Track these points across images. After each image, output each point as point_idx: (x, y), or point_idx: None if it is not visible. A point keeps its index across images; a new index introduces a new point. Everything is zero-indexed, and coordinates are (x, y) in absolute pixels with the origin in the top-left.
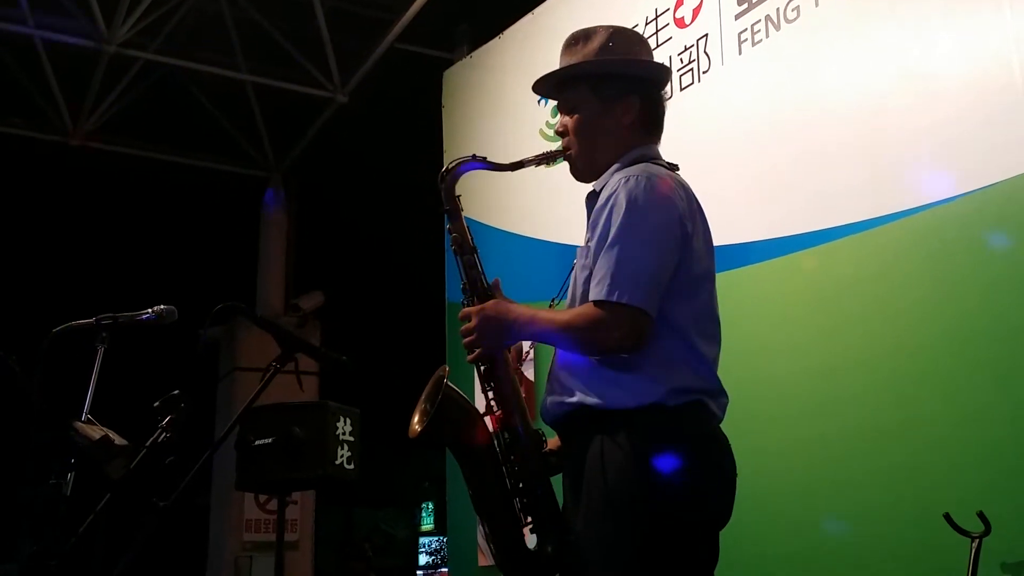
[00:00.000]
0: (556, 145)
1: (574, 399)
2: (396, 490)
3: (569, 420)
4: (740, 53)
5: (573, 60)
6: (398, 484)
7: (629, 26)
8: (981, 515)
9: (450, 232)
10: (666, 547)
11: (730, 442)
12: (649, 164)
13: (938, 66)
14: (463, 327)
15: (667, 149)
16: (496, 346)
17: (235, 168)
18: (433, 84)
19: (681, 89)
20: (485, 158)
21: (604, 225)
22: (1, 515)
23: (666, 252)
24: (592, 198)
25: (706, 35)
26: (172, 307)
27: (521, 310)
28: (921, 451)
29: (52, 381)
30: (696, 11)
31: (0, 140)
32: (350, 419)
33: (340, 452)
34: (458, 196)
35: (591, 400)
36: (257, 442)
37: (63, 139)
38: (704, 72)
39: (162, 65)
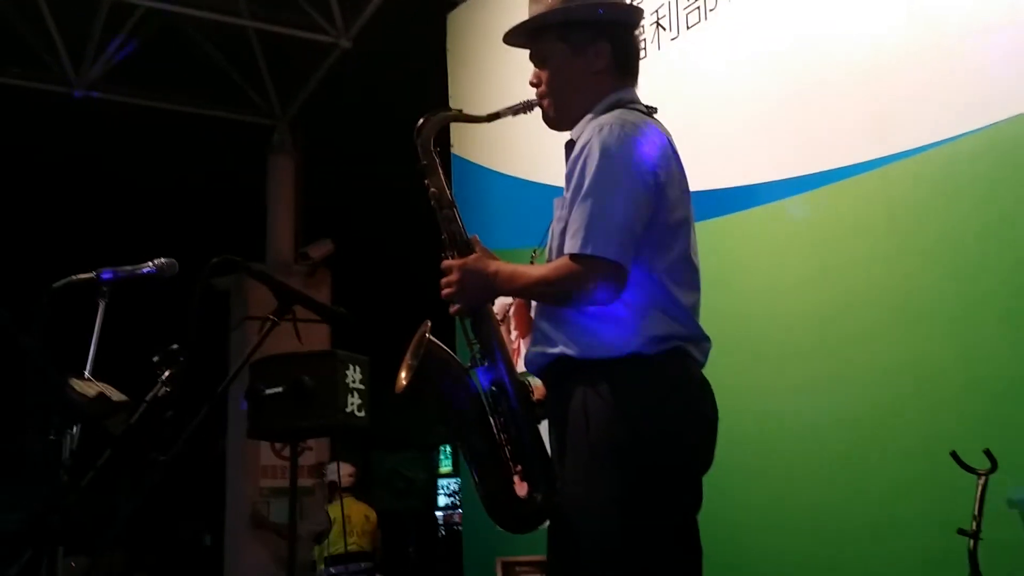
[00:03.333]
0: (524, 96)
1: (555, 350)
2: (413, 434)
3: (551, 371)
4: None
5: (541, 8)
6: (414, 428)
7: None
8: (987, 452)
9: (428, 187)
10: (650, 493)
11: (735, 382)
12: (623, 111)
13: (942, 4)
14: (444, 279)
15: (673, 89)
16: (477, 301)
17: (240, 116)
18: (437, 26)
19: (688, 28)
20: (460, 111)
21: (578, 176)
22: (5, 471)
23: (640, 203)
24: (569, 147)
25: None
26: (173, 260)
27: (501, 265)
28: (927, 389)
29: (53, 336)
30: None
31: (1, 90)
32: (359, 367)
33: (350, 400)
34: (436, 150)
35: (572, 351)
36: (268, 391)
37: (65, 89)
38: (711, 10)
39: (164, 12)
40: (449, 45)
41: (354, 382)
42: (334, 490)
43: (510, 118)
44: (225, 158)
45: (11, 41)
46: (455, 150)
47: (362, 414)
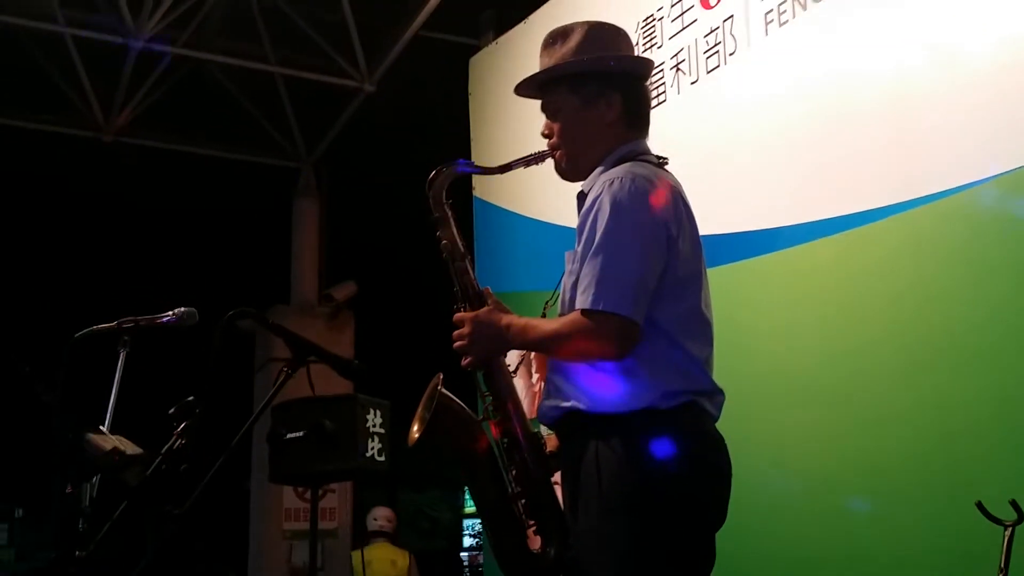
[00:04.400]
0: (543, 142)
1: (568, 404)
2: (438, 473)
3: (564, 424)
4: (767, 34)
5: (552, 61)
6: (440, 467)
7: (654, 9)
8: (1014, 503)
9: (440, 239)
10: (662, 549)
11: (753, 428)
12: (634, 164)
13: (969, 44)
14: (456, 332)
15: (693, 132)
16: (488, 353)
17: (266, 159)
18: (460, 71)
19: (708, 72)
20: (472, 162)
21: (590, 230)
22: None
23: (651, 257)
24: (581, 199)
25: (732, 16)
26: (193, 310)
27: (512, 319)
28: (953, 438)
29: (75, 385)
30: None
31: (33, 136)
32: (380, 411)
33: (371, 444)
34: (449, 202)
35: (584, 405)
36: (289, 435)
37: (95, 134)
38: (731, 54)
39: (190, 58)
40: (471, 89)
41: (375, 426)
42: (369, 535)
43: (522, 168)
44: (251, 201)
45: (44, 88)
46: (477, 193)
47: (382, 459)
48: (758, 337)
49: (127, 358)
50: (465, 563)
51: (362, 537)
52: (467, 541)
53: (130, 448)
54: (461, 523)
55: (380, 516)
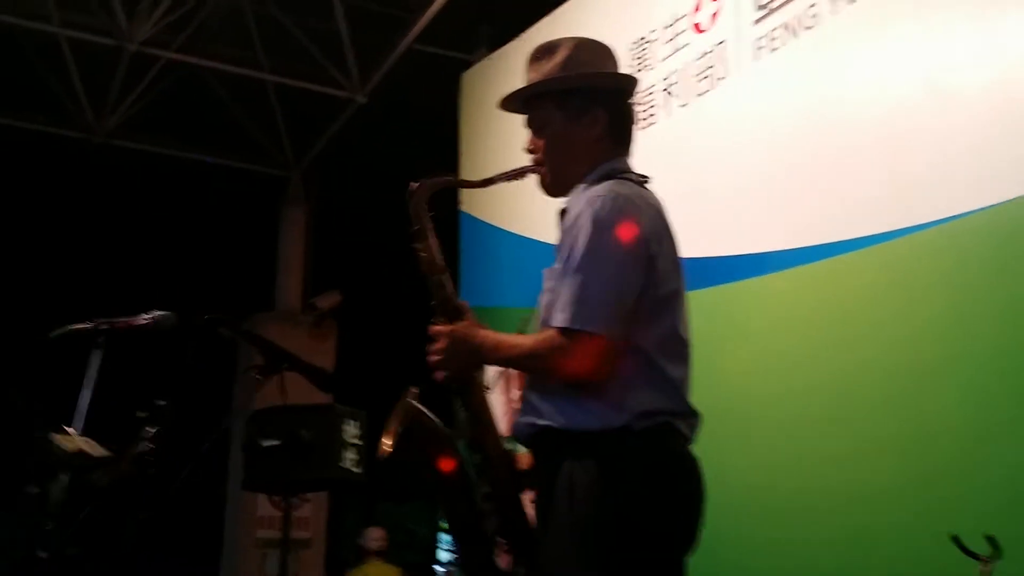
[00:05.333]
0: (528, 160)
1: (542, 422)
2: (419, 486)
3: (538, 442)
4: (757, 60)
5: (537, 76)
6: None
7: (647, 31)
8: (991, 538)
9: (419, 252)
10: (631, 572)
11: (735, 451)
12: (616, 182)
13: (958, 76)
14: (432, 346)
15: (683, 155)
16: (463, 369)
17: (255, 166)
18: (452, 85)
19: (698, 96)
20: (454, 176)
21: (569, 249)
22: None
23: (629, 277)
24: (562, 215)
25: (723, 41)
26: (170, 313)
27: (488, 335)
28: (933, 469)
29: (48, 386)
30: (714, 17)
31: (24, 136)
32: (358, 421)
33: (347, 455)
34: (430, 215)
35: (558, 423)
36: (264, 443)
37: (86, 136)
38: (720, 79)
39: (184, 63)
40: (462, 104)
41: (351, 437)
42: (362, 555)
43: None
44: (238, 207)
45: (36, 88)
46: (463, 207)
47: (358, 469)
48: (741, 360)
49: (102, 360)
50: None
51: (356, 556)
52: (443, 555)
53: (96, 450)
54: (437, 537)
55: (376, 536)
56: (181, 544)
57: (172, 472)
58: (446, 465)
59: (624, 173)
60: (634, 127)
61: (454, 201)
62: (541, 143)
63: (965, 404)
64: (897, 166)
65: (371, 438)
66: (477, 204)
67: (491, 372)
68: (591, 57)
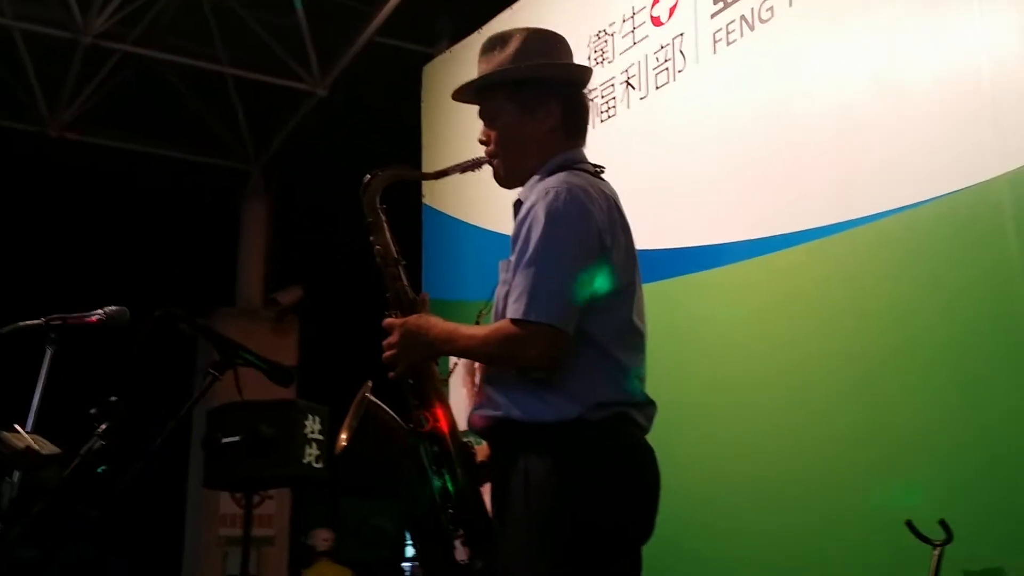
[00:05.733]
0: (482, 152)
1: (499, 412)
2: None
3: (494, 433)
4: (715, 53)
5: (490, 67)
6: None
7: (606, 24)
8: (943, 523)
9: (373, 244)
10: (587, 562)
11: (696, 441)
12: (570, 173)
13: (909, 70)
14: (385, 340)
15: (641, 147)
16: (416, 361)
17: (215, 160)
18: (413, 78)
19: (657, 88)
20: (409, 168)
21: (523, 241)
22: None
23: (583, 269)
24: (517, 207)
25: (682, 34)
26: (124, 308)
27: (442, 326)
28: (887, 457)
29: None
30: (672, 10)
31: None
32: (319, 417)
33: (309, 451)
34: (383, 207)
35: (515, 414)
36: (225, 440)
37: (41, 129)
38: (679, 71)
39: (141, 56)
40: (424, 97)
41: (313, 432)
42: (312, 555)
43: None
44: (198, 201)
45: None
46: (426, 200)
47: (320, 465)
48: (701, 351)
49: (55, 357)
50: (407, 573)
51: (306, 558)
52: (410, 551)
53: (46, 448)
54: (404, 533)
55: (324, 537)
56: (142, 543)
57: (126, 470)
58: (404, 458)
59: (578, 164)
60: (588, 118)
61: (418, 195)
62: (494, 134)
63: (917, 392)
64: (849, 158)
65: (333, 434)
66: (439, 197)
67: (461, 367)
68: (543, 48)
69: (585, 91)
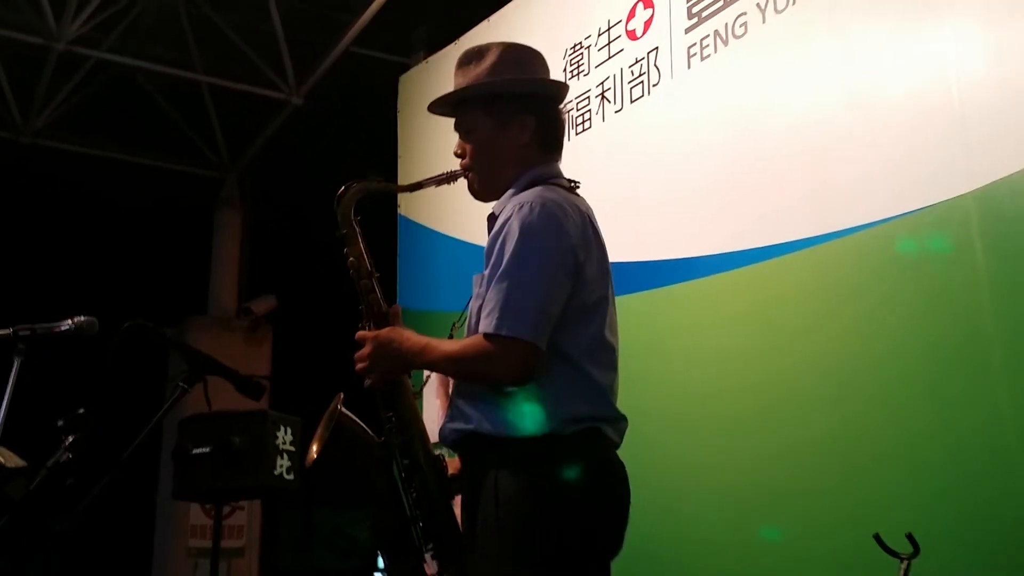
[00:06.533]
0: (457, 165)
1: (470, 426)
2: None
3: (465, 446)
4: (689, 67)
5: (466, 81)
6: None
7: (582, 37)
8: (910, 536)
9: (347, 256)
10: (557, 575)
11: (666, 454)
12: (545, 187)
13: (880, 86)
14: (357, 353)
15: (616, 160)
16: (388, 373)
17: (189, 168)
18: (389, 88)
19: (631, 101)
20: (383, 180)
21: (497, 254)
22: None
23: (556, 284)
24: (491, 220)
25: (657, 48)
26: (93, 319)
27: (414, 340)
28: (857, 469)
29: None
30: (647, 24)
31: None
32: (291, 428)
33: (280, 462)
34: (357, 219)
35: (485, 428)
36: (195, 451)
37: (12, 136)
38: (654, 85)
39: (115, 63)
40: (400, 107)
41: (284, 443)
42: None
43: (433, 187)
44: (171, 209)
45: None
46: (402, 211)
47: (291, 476)
48: (672, 365)
49: (22, 367)
50: None
51: None
52: (381, 562)
53: (12, 460)
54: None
55: None
56: (110, 554)
57: (94, 482)
58: (374, 471)
59: (553, 179)
60: (564, 133)
61: (393, 205)
62: (469, 147)
63: (888, 405)
64: (821, 173)
65: (305, 444)
66: (415, 207)
67: (434, 379)
68: (520, 62)
69: (561, 106)
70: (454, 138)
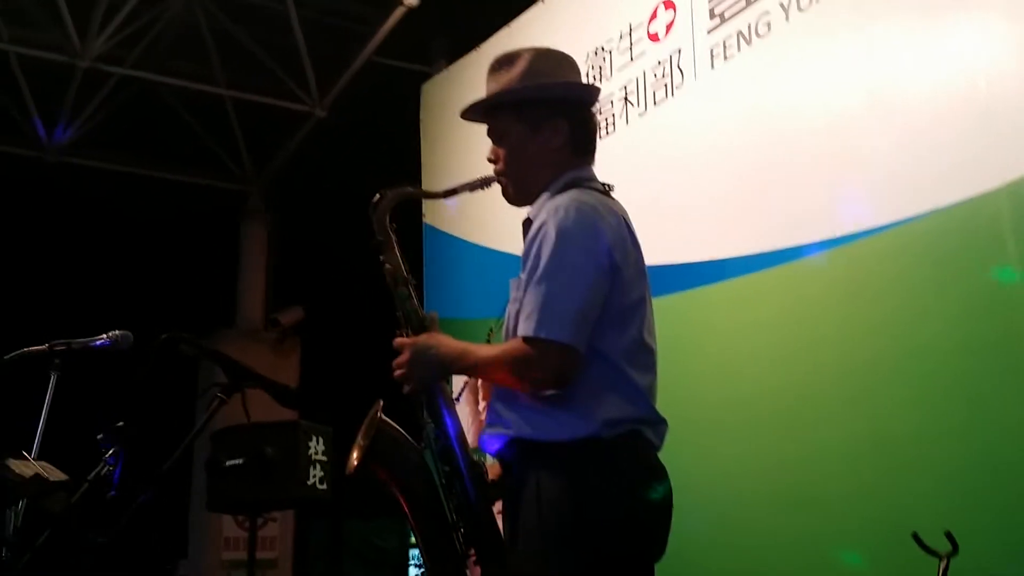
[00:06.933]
0: (491, 170)
1: (509, 432)
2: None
3: (505, 452)
4: (712, 68)
5: (498, 86)
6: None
7: (604, 41)
8: (949, 535)
9: (383, 263)
10: None
11: (700, 456)
12: (580, 191)
13: (906, 82)
14: (395, 360)
15: (641, 163)
16: (427, 379)
17: (214, 182)
18: (411, 98)
19: (655, 103)
20: (417, 187)
21: (534, 258)
22: None
23: (593, 286)
24: (527, 225)
25: (679, 50)
26: (128, 332)
27: (453, 344)
28: (891, 469)
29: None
30: (669, 26)
31: None
32: (323, 438)
33: (312, 472)
34: (392, 226)
35: (526, 433)
36: (228, 462)
37: (38, 154)
38: (677, 87)
39: (139, 79)
40: (422, 116)
41: (317, 454)
42: None
43: (468, 193)
44: (198, 223)
45: None
46: (427, 219)
47: (324, 487)
48: (703, 366)
49: (58, 382)
50: None
51: None
52: (412, 572)
53: (54, 475)
54: (407, 553)
55: None
56: (144, 567)
57: (134, 494)
58: (415, 478)
59: (588, 182)
60: (596, 136)
61: (418, 214)
62: (502, 153)
63: (921, 404)
64: (849, 171)
65: (337, 455)
66: (440, 216)
67: (457, 382)
68: (551, 67)
69: (593, 109)
70: (477, 145)
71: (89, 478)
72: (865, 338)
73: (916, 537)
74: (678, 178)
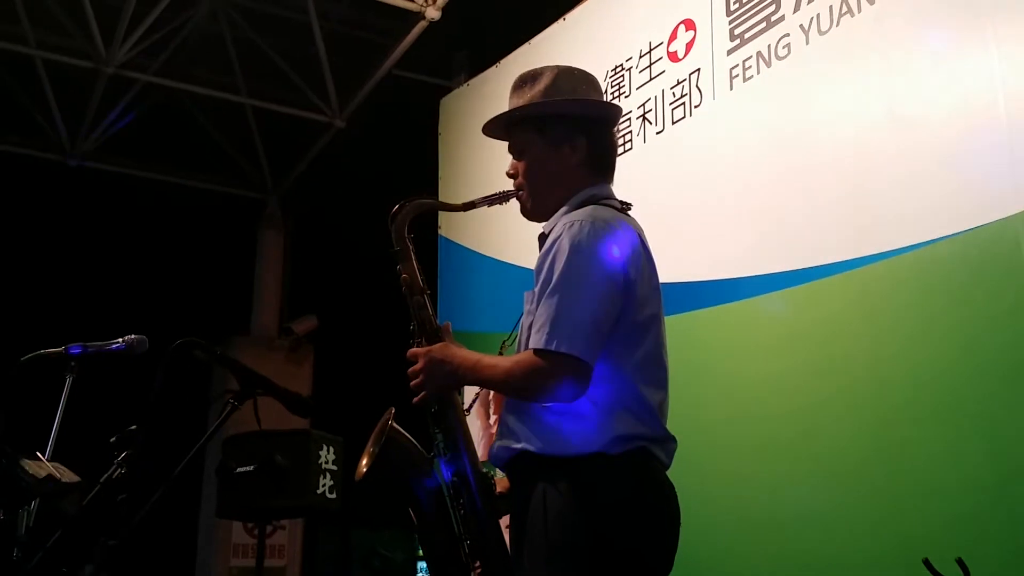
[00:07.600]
0: (509, 185)
1: (519, 445)
2: (394, 512)
3: (514, 465)
4: (731, 89)
5: (520, 102)
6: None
7: (623, 59)
8: (960, 561)
9: (400, 273)
10: None
11: (709, 477)
12: (596, 207)
13: (925, 105)
14: (409, 369)
15: (658, 181)
16: (441, 389)
17: (233, 189)
18: (431, 111)
19: (673, 123)
20: (436, 199)
21: (547, 271)
22: None
23: (607, 300)
24: (542, 240)
25: (698, 70)
26: (143, 337)
27: (466, 355)
28: (904, 495)
29: (20, 409)
30: (689, 46)
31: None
32: (334, 447)
33: (322, 481)
34: (410, 236)
35: (535, 447)
36: (239, 469)
37: (61, 158)
38: (696, 106)
39: (162, 86)
40: (441, 129)
41: (327, 463)
42: None
43: (486, 207)
44: (215, 230)
45: (10, 109)
46: (442, 232)
47: (334, 496)
48: (716, 385)
49: (74, 384)
50: None
51: None
52: None
53: (67, 476)
54: (415, 564)
55: None
56: (152, 572)
57: (144, 498)
58: (423, 487)
59: (605, 199)
60: (616, 155)
61: (434, 226)
62: (522, 167)
63: (936, 429)
64: (866, 194)
65: (348, 464)
66: (455, 228)
67: (468, 394)
68: (573, 85)
69: (614, 129)
70: (494, 160)
71: (101, 480)
72: (880, 361)
73: (927, 563)
74: (694, 197)
